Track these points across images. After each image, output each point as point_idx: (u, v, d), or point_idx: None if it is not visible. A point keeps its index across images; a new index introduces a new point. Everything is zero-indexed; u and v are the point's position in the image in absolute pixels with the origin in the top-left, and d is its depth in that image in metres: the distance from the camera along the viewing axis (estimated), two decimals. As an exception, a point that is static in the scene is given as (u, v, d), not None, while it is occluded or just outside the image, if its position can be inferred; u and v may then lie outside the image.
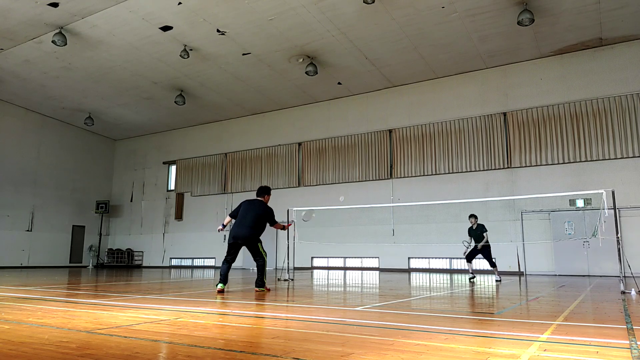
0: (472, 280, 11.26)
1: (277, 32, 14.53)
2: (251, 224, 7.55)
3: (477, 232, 11.10)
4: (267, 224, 7.88)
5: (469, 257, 11.24)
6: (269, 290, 7.77)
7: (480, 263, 15.99)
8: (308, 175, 19.86)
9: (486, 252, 11.03)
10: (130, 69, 17.36)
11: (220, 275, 7.42)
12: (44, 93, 19.84)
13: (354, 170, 18.83)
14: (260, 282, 7.55)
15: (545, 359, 2.63)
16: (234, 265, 7.78)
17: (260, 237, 7.77)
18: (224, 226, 7.93)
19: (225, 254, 7.67)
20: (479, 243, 10.91)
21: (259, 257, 7.61)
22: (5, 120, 21.01)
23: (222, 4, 13.20)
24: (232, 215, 7.85)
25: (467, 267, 11.63)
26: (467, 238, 11.20)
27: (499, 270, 11.58)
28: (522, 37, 14.62)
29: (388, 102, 18.57)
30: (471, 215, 11.35)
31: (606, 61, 14.92)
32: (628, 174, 14.17)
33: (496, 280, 11.05)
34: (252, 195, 8.38)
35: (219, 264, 21.22)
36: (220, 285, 7.24)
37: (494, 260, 11.23)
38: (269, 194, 8.19)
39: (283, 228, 8.34)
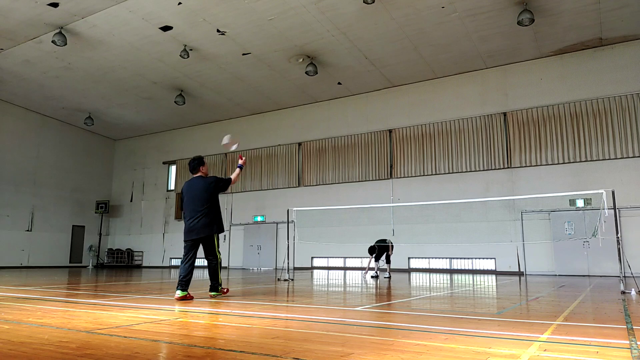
0: (375, 277, 12.73)
1: (277, 32, 14.53)
2: (203, 211, 6.16)
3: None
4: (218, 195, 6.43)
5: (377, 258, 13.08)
6: (226, 291, 6.66)
7: (480, 263, 15.99)
8: (308, 175, 19.86)
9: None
10: (130, 69, 17.35)
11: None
12: (43, 93, 19.84)
13: (353, 170, 18.83)
14: (214, 286, 6.37)
15: (545, 359, 2.62)
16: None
17: (224, 231, 6.49)
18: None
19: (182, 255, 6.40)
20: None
21: (213, 257, 6.37)
22: (5, 120, 21.01)
23: (222, 4, 13.20)
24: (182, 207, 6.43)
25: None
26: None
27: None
28: (522, 37, 14.61)
29: (388, 102, 18.56)
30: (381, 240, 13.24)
31: (606, 61, 14.92)
32: (628, 174, 14.16)
33: (385, 277, 12.37)
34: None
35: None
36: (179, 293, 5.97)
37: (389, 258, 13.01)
38: (203, 164, 6.52)
39: (240, 169, 6.67)
